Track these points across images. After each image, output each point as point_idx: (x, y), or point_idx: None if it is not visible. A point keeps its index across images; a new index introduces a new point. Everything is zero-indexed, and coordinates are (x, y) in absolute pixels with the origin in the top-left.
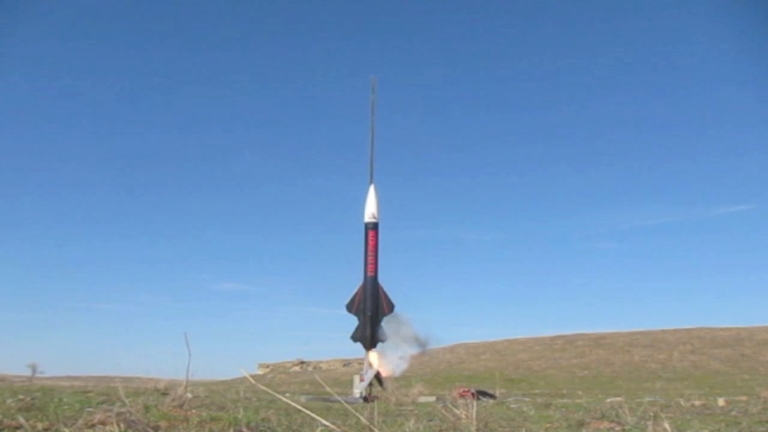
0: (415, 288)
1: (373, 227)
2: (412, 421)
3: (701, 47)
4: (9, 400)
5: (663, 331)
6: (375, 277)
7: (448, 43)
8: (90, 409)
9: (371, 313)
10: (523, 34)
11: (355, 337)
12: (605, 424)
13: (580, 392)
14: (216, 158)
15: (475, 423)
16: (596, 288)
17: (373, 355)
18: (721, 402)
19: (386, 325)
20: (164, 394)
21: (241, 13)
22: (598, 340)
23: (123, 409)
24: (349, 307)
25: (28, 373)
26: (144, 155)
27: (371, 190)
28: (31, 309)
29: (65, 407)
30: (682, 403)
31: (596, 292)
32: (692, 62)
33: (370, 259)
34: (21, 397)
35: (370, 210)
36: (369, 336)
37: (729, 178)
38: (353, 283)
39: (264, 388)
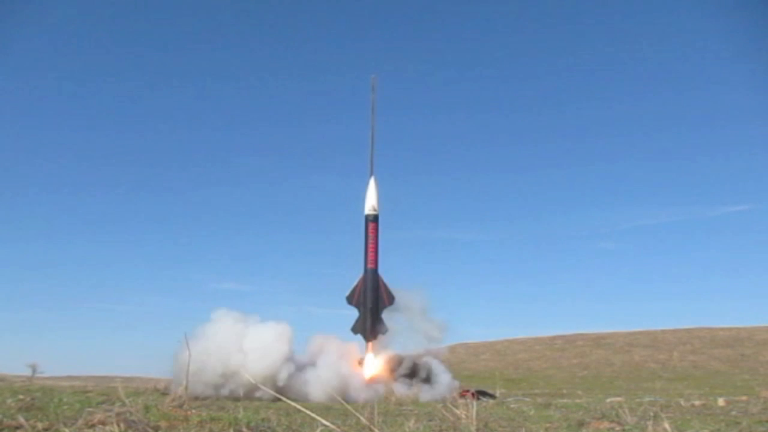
0: (414, 288)
1: (374, 220)
2: (412, 421)
3: (701, 47)
4: (9, 400)
5: (663, 331)
6: (375, 270)
7: (448, 43)
8: (90, 409)
9: (372, 305)
10: (523, 33)
11: (355, 329)
12: (605, 424)
13: (580, 392)
14: (216, 158)
15: (475, 423)
16: (596, 288)
17: (369, 356)
18: (721, 402)
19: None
20: (164, 394)
21: (240, 13)
22: (598, 340)
23: (123, 409)
24: (350, 299)
25: (28, 373)
26: (144, 155)
27: (371, 182)
28: (31, 309)
29: (65, 407)
30: (682, 403)
31: (596, 292)
32: (692, 62)
33: (371, 251)
34: (21, 397)
35: (371, 202)
36: (369, 328)
37: (729, 178)
38: (353, 282)
39: (264, 388)
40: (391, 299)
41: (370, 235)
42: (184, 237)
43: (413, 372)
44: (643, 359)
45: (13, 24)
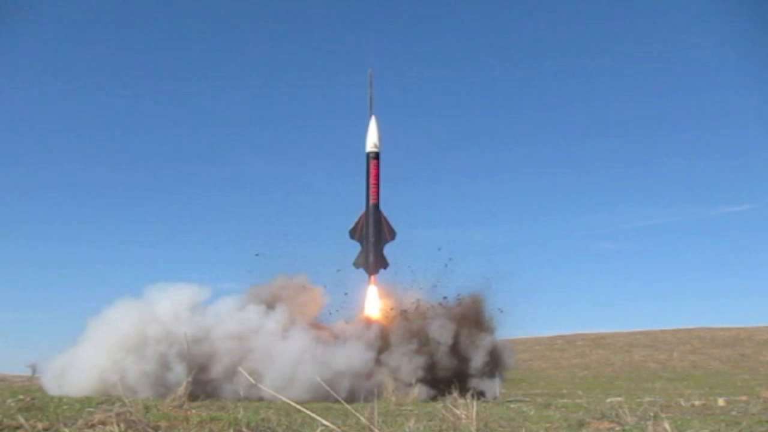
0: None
1: (375, 157)
2: (412, 421)
3: (701, 47)
4: (9, 400)
5: (663, 331)
6: (377, 205)
7: (447, 42)
8: (90, 409)
9: (374, 239)
10: (523, 33)
11: (357, 263)
12: (605, 424)
13: (580, 392)
14: (216, 159)
15: (475, 423)
16: (596, 288)
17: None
18: (721, 402)
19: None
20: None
21: (241, 12)
22: (598, 340)
23: (123, 409)
24: (352, 233)
25: (28, 373)
26: (144, 155)
27: (372, 121)
28: (31, 309)
29: (65, 407)
30: (682, 403)
31: (596, 292)
32: (692, 62)
33: (372, 187)
34: (21, 397)
35: (372, 140)
36: (372, 262)
37: (729, 178)
38: (351, 283)
39: (264, 387)
40: (392, 234)
41: (372, 171)
42: (183, 237)
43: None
44: (643, 359)
45: (12, 24)
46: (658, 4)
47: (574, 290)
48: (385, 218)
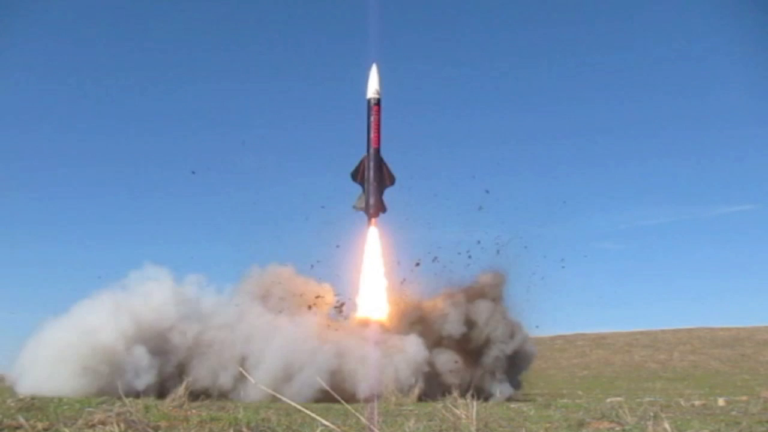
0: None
1: (376, 103)
2: (412, 421)
3: (701, 47)
4: (9, 400)
5: (663, 331)
6: (378, 150)
7: (448, 42)
8: (90, 409)
9: (375, 182)
10: (524, 33)
11: (357, 206)
12: (605, 424)
13: (580, 392)
14: (216, 159)
15: (475, 423)
16: (596, 288)
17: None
18: (721, 402)
19: None
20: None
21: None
22: (598, 340)
23: (123, 409)
24: (354, 176)
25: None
26: (144, 156)
27: (373, 68)
28: (31, 309)
29: (65, 407)
30: (682, 403)
31: (596, 292)
32: (692, 62)
33: (374, 132)
34: (21, 397)
35: (373, 86)
36: (373, 204)
37: (729, 178)
38: (351, 285)
39: (264, 387)
40: (392, 179)
41: (373, 117)
42: (183, 237)
43: None
44: (643, 359)
45: (11, 23)
46: (658, 5)
47: (574, 290)
48: (385, 164)
